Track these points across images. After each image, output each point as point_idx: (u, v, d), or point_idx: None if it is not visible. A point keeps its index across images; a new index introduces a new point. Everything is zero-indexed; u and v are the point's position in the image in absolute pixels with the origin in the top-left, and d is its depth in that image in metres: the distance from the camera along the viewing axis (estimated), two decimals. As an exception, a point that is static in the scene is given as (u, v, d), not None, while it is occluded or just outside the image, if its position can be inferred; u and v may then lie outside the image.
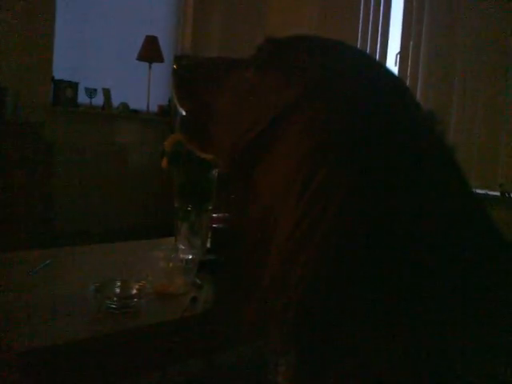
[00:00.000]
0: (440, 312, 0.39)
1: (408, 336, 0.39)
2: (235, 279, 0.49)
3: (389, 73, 0.50)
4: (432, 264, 0.40)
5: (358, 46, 3.69)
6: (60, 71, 3.74)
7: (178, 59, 0.62)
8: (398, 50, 3.61)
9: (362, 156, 0.41)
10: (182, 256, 1.44)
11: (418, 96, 3.36)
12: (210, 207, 1.62)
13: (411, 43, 3.51)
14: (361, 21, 3.76)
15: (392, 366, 0.38)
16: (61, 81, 3.73)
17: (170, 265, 1.35)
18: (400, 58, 3.57)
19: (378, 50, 3.71)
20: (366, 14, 3.75)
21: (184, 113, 0.62)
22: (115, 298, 1.10)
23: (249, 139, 0.49)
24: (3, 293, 1.13)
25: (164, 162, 1.61)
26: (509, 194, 3.12)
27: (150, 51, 4.04)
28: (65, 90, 3.74)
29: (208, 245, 1.59)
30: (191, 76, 0.60)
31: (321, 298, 0.39)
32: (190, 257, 1.44)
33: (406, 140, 0.43)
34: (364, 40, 3.76)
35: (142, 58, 4.05)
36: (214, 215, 1.66)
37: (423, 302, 0.39)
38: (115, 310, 1.08)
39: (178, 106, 0.61)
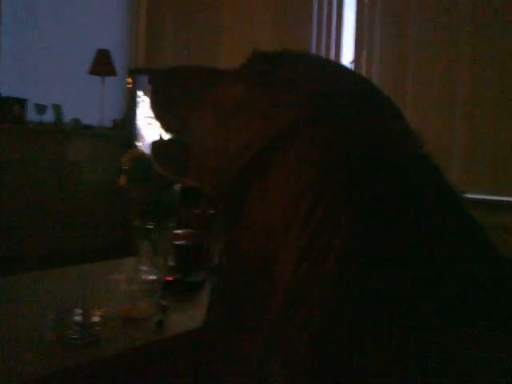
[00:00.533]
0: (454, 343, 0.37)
1: (423, 370, 0.36)
2: (234, 312, 0.45)
3: (380, 91, 0.48)
4: (444, 294, 0.37)
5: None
6: (6, 88, 3.59)
7: (154, 73, 0.56)
8: (351, 58, 3.68)
9: (369, 183, 0.38)
10: (144, 277, 1.38)
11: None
12: (172, 224, 1.57)
13: (364, 51, 3.58)
14: (314, 30, 3.80)
15: None
16: (7, 98, 3.58)
17: (134, 287, 1.29)
18: (354, 65, 3.64)
19: (332, 59, 3.76)
20: (319, 23, 3.80)
21: (162, 132, 0.56)
22: (76, 328, 1.04)
23: (241, 164, 0.45)
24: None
25: (121, 179, 1.55)
26: (465, 194, 3.22)
27: (102, 65, 3.95)
28: (12, 108, 3.59)
29: (171, 263, 1.54)
30: (171, 92, 0.54)
31: (331, 339, 0.36)
32: (154, 277, 1.38)
33: (410, 165, 0.41)
34: (318, 49, 3.80)
35: (94, 72, 3.96)
36: (177, 232, 1.61)
37: (437, 336, 0.37)
38: (77, 340, 1.02)
39: (160, 126, 0.55)
